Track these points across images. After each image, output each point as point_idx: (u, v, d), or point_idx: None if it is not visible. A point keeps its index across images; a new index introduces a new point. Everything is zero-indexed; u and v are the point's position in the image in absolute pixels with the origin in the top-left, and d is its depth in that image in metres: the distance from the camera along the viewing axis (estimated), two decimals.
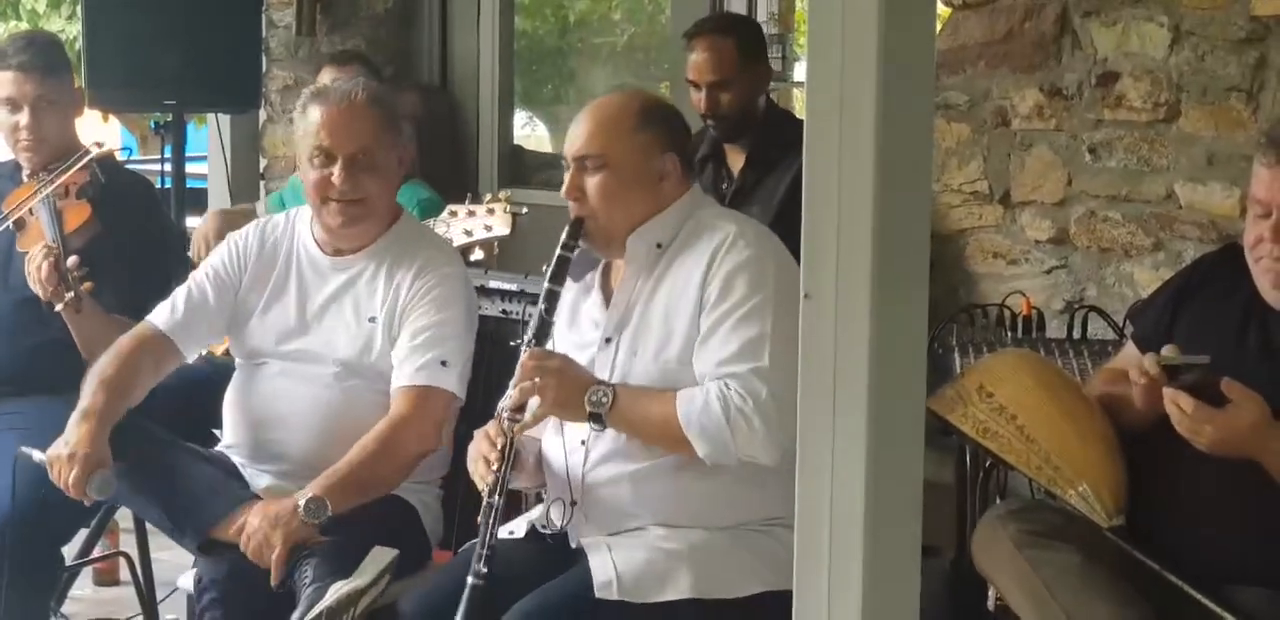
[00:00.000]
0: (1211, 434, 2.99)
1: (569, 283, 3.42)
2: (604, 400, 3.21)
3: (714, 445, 3.14)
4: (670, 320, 3.27)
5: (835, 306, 2.35)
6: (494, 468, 3.27)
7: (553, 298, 3.35)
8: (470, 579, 3.16)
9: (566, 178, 3.38)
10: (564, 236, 3.37)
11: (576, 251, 3.38)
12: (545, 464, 3.42)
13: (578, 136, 3.37)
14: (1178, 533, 3.12)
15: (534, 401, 3.27)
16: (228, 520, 3.50)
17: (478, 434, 3.40)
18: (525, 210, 4.53)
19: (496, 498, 3.24)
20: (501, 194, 4.61)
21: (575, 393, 3.24)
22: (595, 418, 3.23)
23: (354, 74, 5.04)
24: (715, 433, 3.13)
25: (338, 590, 3.23)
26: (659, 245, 3.35)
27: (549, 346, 3.38)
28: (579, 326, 3.46)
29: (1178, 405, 3.01)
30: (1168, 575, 3.04)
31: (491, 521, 3.21)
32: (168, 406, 3.89)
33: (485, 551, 3.18)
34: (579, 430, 3.33)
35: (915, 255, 2.39)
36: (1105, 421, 3.24)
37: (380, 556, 3.33)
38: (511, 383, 3.30)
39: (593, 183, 3.34)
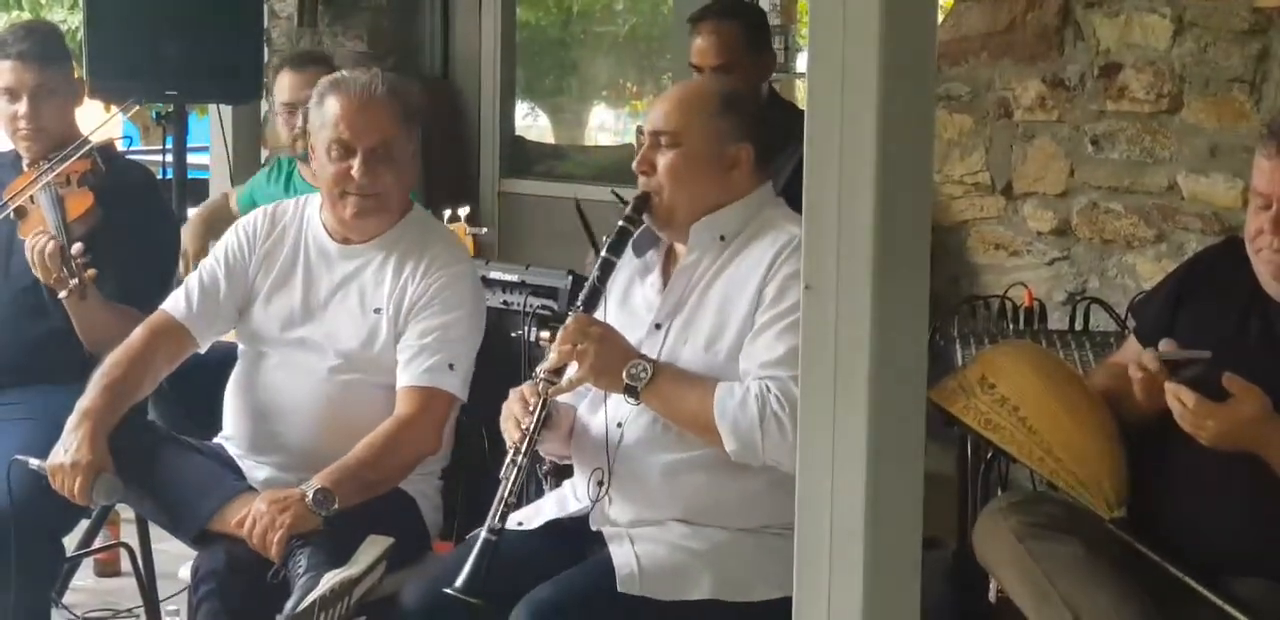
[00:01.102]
0: (1213, 428, 2.99)
1: (629, 260, 3.43)
2: (642, 375, 3.21)
3: (742, 443, 3.13)
4: (725, 313, 3.27)
5: (836, 298, 2.35)
6: (524, 426, 3.27)
7: (608, 267, 3.36)
8: (484, 533, 3.16)
9: (640, 151, 3.40)
10: (628, 209, 3.38)
11: (639, 226, 3.39)
12: (579, 440, 3.42)
13: (657, 112, 3.40)
14: (1179, 524, 3.12)
15: (572, 367, 3.28)
16: (223, 512, 3.49)
17: (512, 393, 3.39)
18: (484, 230, 4.54)
19: (522, 457, 3.24)
20: (461, 212, 4.64)
21: (614, 362, 3.23)
22: (630, 391, 3.22)
23: (314, 79, 5.01)
24: (746, 430, 3.12)
25: (331, 579, 3.23)
26: (722, 237, 3.35)
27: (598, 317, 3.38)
28: (631, 307, 3.45)
29: (1179, 399, 3.01)
30: (1169, 567, 3.03)
31: (514, 478, 3.21)
32: (172, 395, 3.89)
33: (502, 508, 3.18)
34: (617, 412, 3.33)
35: (916, 247, 2.39)
36: (1107, 413, 3.24)
37: (375, 545, 3.32)
38: (553, 345, 3.31)
39: (664, 160, 3.35)
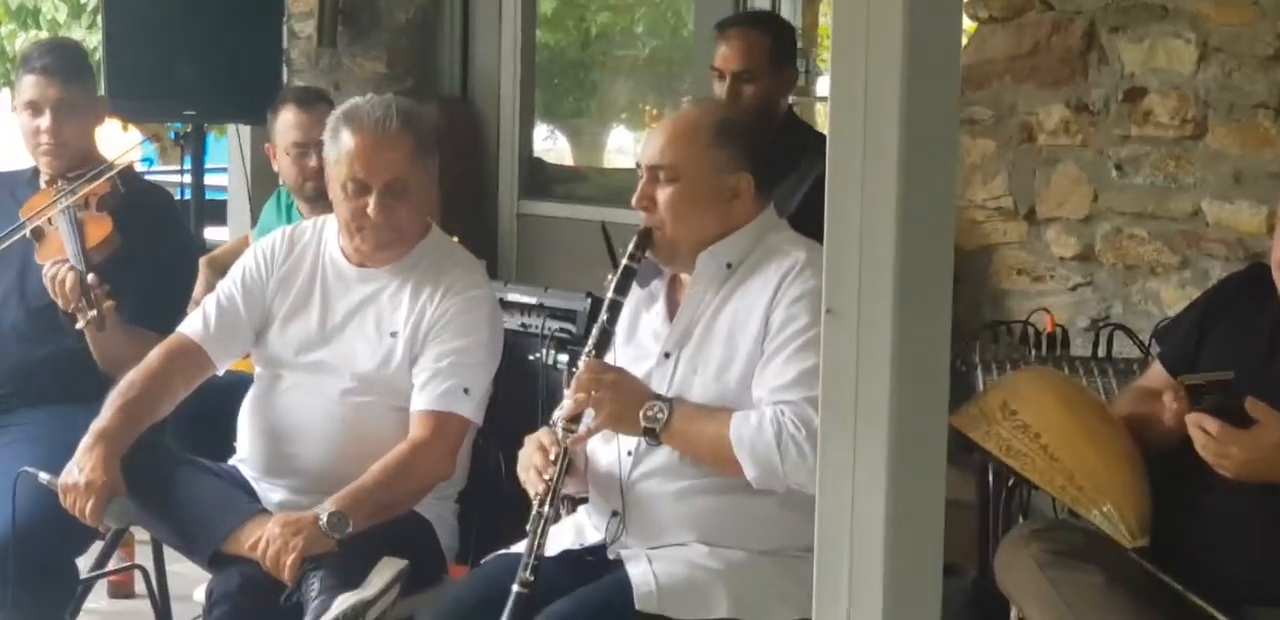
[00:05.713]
0: (1237, 455, 2.97)
1: (634, 291, 3.40)
2: (660, 416, 3.20)
3: (762, 469, 3.12)
4: (733, 342, 3.25)
5: (858, 322, 2.33)
6: (546, 476, 3.25)
7: (615, 308, 3.33)
8: (515, 587, 3.14)
9: (639, 186, 3.36)
10: (631, 247, 3.34)
11: (641, 263, 3.36)
12: (591, 471, 3.40)
13: (652, 146, 3.35)
14: (1201, 553, 3.10)
15: (589, 413, 3.26)
16: (237, 535, 3.48)
17: (529, 441, 3.39)
18: None
19: (547, 507, 3.23)
20: None
21: (631, 407, 3.22)
22: (649, 433, 3.21)
23: (319, 119, 4.94)
24: (765, 456, 3.11)
25: (344, 602, 3.23)
26: (729, 265, 3.32)
27: (608, 358, 3.34)
28: (638, 338, 3.43)
29: (1202, 428, 2.99)
30: (1191, 596, 3.02)
31: (540, 530, 3.20)
32: (188, 417, 3.87)
33: (532, 560, 3.16)
34: (627, 441, 3.31)
35: (939, 271, 2.37)
36: (1130, 441, 3.22)
37: (388, 567, 3.32)
38: (567, 392, 3.30)
39: (663, 194, 3.31)
